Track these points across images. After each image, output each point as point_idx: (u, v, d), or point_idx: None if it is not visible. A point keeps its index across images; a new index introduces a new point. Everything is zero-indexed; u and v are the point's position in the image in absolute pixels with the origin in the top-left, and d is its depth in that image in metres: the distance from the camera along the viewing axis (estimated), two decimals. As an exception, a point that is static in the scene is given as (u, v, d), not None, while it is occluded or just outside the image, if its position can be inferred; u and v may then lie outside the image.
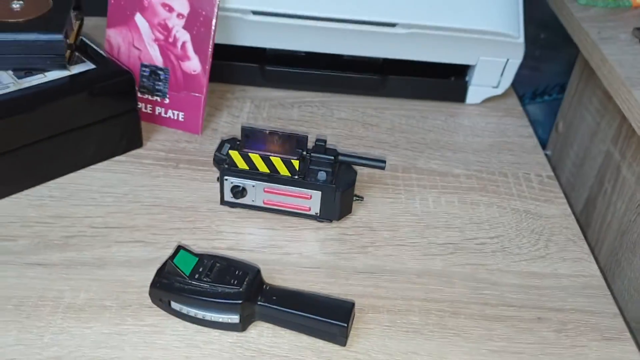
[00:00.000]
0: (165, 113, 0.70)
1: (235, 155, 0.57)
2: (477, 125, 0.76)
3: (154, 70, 0.68)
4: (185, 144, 0.68)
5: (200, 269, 0.49)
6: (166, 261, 0.50)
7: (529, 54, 0.76)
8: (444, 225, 0.61)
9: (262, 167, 0.58)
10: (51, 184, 0.61)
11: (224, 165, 0.58)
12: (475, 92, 0.79)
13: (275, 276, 0.54)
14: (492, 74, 0.77)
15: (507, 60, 0.75)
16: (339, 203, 0.59)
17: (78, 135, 0.61)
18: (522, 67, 0.76)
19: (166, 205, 0.60)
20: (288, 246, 0.57)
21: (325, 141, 0.58)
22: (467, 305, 0.53)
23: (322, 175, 0.58)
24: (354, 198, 0.61)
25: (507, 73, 0.77)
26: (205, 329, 0.49)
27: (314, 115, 0.75)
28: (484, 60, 0.74)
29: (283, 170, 0.57)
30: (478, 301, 0.54)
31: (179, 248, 0.50)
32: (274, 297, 0.49)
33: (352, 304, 0.49)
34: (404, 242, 0.59)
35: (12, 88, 0.57)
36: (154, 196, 0.61)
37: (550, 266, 0.58)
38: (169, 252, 0.52)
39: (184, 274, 0.48)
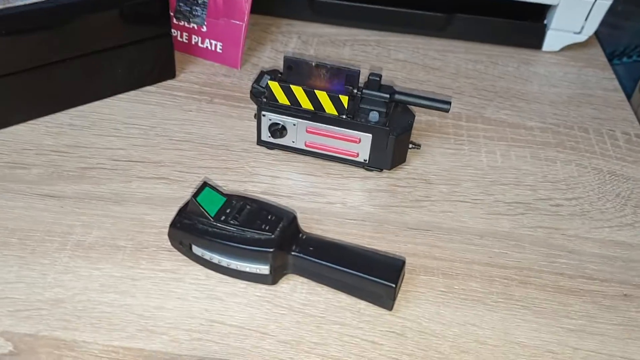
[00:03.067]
0: (202, 43, 0.62)
1: (275, 87, 0.50)
2: (554, 74, 0.67)
3: (191, -6, 0.61)
4: (222, 78, 0.61)
5: (228, 210, 0.42)
6: (189, 199, 0.43)
7: (608, 10, 0.65)
8: (513, 182, 0.53)
9: (306, 103, 0.50)
10: (72, 111, 0.55)
11: (262, 99, 0.51)
12: (554, 38, 0.69)
13: (314, 226, 0.47)
14: (576, 16, 0.66)
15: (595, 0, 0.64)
16: (392, 149, 0.51)
17: (105, 58, 0.54)
18: (599, 24, 0.66)
19: (196, 142, 0.53)
20: (330, 195, 0.50)
21: (380, 76, 0.50)
22: (538, 274, 0.45)
23: (374, 116, 0.50)
24: (410, 145, 0.53)
25: (594, 16, 0.66)
26: (230, 280, 0.42)
27: (368, 55, 0.67)
28: (568, -2, 0.64)
29: (329, 108, 0.50)
30: (552, 270, 0.45)
31: (204, 185, 0.43)
32: (311, 248, 0.42)
33: (403, 262, 0.42)
34: (465, 198, 0.51)
35: (35, -1, 0.51)
36: (184, 131, 0.54)
37: (639, 236, 0.49)
38: (195, 190, 0.45)
39: (209, 214, 0.42)
